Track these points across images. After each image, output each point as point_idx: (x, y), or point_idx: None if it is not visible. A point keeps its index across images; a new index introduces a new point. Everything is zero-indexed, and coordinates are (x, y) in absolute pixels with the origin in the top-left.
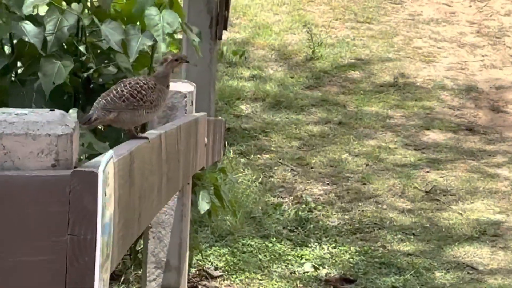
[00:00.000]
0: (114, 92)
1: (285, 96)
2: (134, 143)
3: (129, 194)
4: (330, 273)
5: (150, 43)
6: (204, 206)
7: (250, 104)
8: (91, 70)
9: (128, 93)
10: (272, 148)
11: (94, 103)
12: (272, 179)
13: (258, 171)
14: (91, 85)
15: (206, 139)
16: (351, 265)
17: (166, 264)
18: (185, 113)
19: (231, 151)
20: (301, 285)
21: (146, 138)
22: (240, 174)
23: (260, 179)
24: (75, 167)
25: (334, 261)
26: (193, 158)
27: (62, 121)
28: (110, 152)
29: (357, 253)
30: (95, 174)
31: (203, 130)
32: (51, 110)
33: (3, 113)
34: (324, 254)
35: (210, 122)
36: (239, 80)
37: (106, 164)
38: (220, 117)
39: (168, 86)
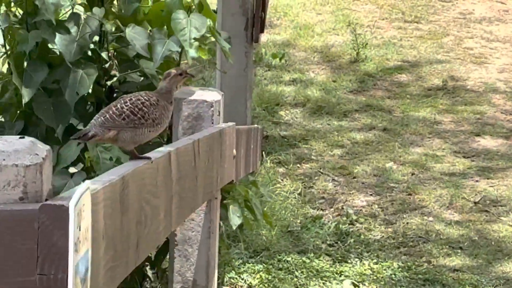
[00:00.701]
0: (114, 108)
1: (327, 101)
2: (132, 165)
3: (120, 223)
4: None
5: (176, 49)
6: (235, 220)
7: (290, 110)
8: (115, 78)
9: (129, 110)
10: (313, 157)
11: (92, 120)
12: (312, 190)
13: (297, 181)
14: (115, 94)
15: (234, 151)
16: (393, 282)
17: (193, 284)
18: (212, 123)
19: (269, 160)
20: None
21: (148, 158)
22: (278, 185)
23: (299, 190)
24: (46, 200)
25: (375, 277)
26: (217, 172)
27: (31, 150)
28: (85, 184)
29: (400, 269)
30: (65, 208)
31: (231, 141)
32: (20, 137)
33: None
34: (365, 270)
35: (240, 132)
36: (278, 84)
37: (80, 197)
38: (256, 125)
39: (171, 103)
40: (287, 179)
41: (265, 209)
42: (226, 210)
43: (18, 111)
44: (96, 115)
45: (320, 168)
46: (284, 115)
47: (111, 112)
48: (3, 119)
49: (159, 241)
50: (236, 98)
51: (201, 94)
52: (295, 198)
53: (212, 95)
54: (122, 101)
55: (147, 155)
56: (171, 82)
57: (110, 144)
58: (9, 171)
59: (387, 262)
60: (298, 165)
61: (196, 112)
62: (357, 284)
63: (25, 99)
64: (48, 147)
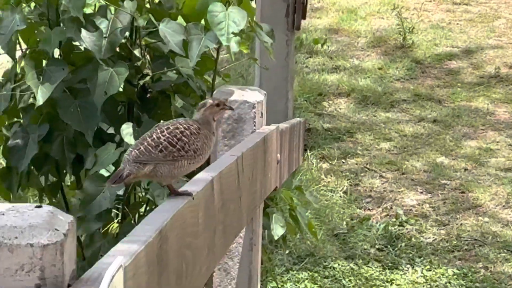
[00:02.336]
0: (149, 139)
1: (373, 90)
2: (170, 207)
3: (158, 284)
4: None
5: (213, 45)
6: (278, 230)
7: (333, 100)
8: (148, 77)
9: (166, 140)
10: (358, 151)
11: (125, 154)
12: (358, 188)
13: (342, 178)
14: (148, 94)
15: (278, 155)
16: None
17: None
18: (254, 126)
19: (312, 156)
20: None
21: (189, 194)
22: (323, 182)
23: (345, 187)
24: (69, 286)
25: (429, 286)
26: (261, 184)
27: (50, 224)
28: (117, 262)
29: (455, 276)
30: None
31: (274, 147)
32: (37, 207)
33: None
34: (417, 278)
35: (283, 133)
36: (320, 72)
37: (112, 279)
38: (298, 118)
39: (214, 133)
40: (331, 176)
41: (308, 214)
42: (268, 218)
43: (42, 113)
44: (129, 148)
45: (367, 164)
46: (328, 106)
47: (146, 143)
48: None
49: (201, 284)
50: (276, 89)
51: (241, 94)
52: (340, 197)
53: (254, 95)
54: (158, 130)
55: (186, 188)
56: (206, 113)
57: (148, 179)
58: (22, 253)
59: (441, 268)
60: (343, 160)
61: (237, 114)
62: None
63: (39, 101)
64: (71, 217)
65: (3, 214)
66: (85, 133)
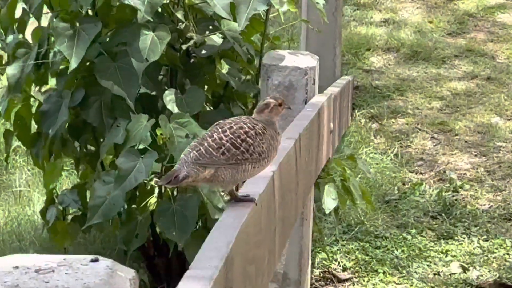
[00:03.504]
0: (210, 140)
1: (423, 45)
2: (233, 221)
3: None
4: (482, 275)
5: (263, 7)
6: (329, 204)
7: (382, 55)
8: (192, 41)
9: (229, 142)
10: (409, 111)
11: (182, 155)
12: (409, 150)
13: (392, 139)
14: (192, 59)
15: (331, 125)
16: (508, 264)
17: (283, 278)
18: (306, 93)
19: (360, 115)
20: None
21: (251, 200)
22: (372, 144)
23: (395, 149)
24: None
25: (486, 258)
26: (316, 161)
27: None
28: None
29: None
30: None
31: (328, 117)
32: (92, 261)
33: (16, 267)
34: (473, 249)
35: (335, 100)
36: (369, 26)
37: None
38: (347, 76)
39: (279, 133)
40: (380, 137)
41: (358, 179)
42: (319, 190)
43: (77, 78)
44: (187, 149)
45: (418, 124)
46: (376, 62)
47: (206, 144)
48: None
49: None
50: (324, 45)
51: (293, 60)
52: (391, 160)
53: (306, 61)
54: (220, 130)
55: (246, 191)
56: (271, 114)
57: (205, 184)
58: None
59: (498, 238)
60: (393, 120)
61: (288, 81)
62: (467, 267)
63: (73, 65)
64: (132, 272)
65: (53, 271)
66: (126, 97)
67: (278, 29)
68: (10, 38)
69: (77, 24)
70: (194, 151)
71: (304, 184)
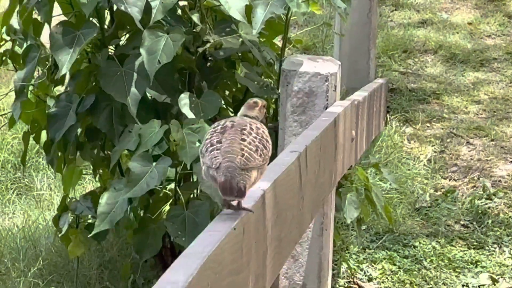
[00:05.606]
0: (244, 143)
1: (461, 47)
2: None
3: None
4: (511, 287)
5: (280, 12)
6: (351, 213)
7: (419, 57)
8: (208, 44)
9: (260, 143)
10: (445, 115)
11: (221, 163)
12: (444, 155)
13: (426, 144)
14: (208, 63)
15: (353, 132)
16: None
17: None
18: (326, 100)
19: (394, 119)
20: None
21: (250, 210)
22: (405, 149)
23: (429, 155)
24: None
25: None
26: (331, 171)
27: None
28: None
29: None
30: None
31: (348, 124)
32: None
33: None
34: (504, 259)
35: (360, 105)
36: (406, 27)
37: None
38: (380, 79)
39: None
40: (414, 141)
41: (388, 185)
42: (341, 199)
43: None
44: (227, 155)
45: (453, 129)
46: (413, 64)
47: (246, 148)
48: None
49: None
50: (357, 48)
51: (313, 66)
52: (424, 165)
53: (327, 66)
54: (245, 132)
55: (247, 207)
56: (260, 113)
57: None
58: None
59: None
60: (428, 124)
61: (308, 87)
62: (496, 278)
63: (63, 70)
64: None
65: None
66: (128, 104)
67: (305, 30)
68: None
69: (78, 30)
70: (239, 157)
71: (312, 198)
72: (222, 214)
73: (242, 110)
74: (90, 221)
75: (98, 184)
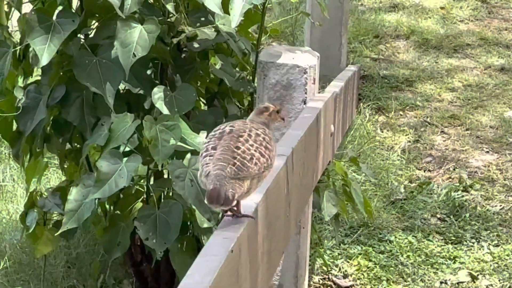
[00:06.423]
0: (238, 151)
1: (434, 33)
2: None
3: None
4: (491, 285)
5: (259, 1)
6: (330, 210)
7: (390, 43)
8: (183, 35)
9: (257, 151)
10: (418, 103)
11: (211, 170)
12: (418, 145)
13: (400, 133)
14: (183, 54)
15: (332, 127)
16: None
17: None
18: (305, 93)
19: (367, 107)
20: None
21: (251, 217)
22: (378, 138)
23: (403, 144)
24: None
25: (496, 266)
26: (314, 170)
27: None
28: None
29: None
30: None
31: (328, 119)
32: None
33: None
34: (483, 255)
35: (338, 97)
36: (377, 12)
37: None
38: (353, 67)
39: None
40: (388, 130)
41: (361, 177)
42: (319, 195)
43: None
44: (217, 162)
45: (427, 117)
46: (385, 50)
47: (238, 157)
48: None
49: None
50: (329, 33)
51: (292, 57)
52: (398, 155)
53: (306, 58)
54: (242, 139)
55: (247, 213)
56: (270, 117)
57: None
58: None
59: (510, 244)
60: (401, 112)
61: (286, 80)
62: (476, 275)
63: (43, 62)
64: None
65: None
66: (105, 95)
67: (280, 19)
68: None
69: (54, 18)
70: (231, 166)
71: (297, 202)
72: (217, 235)
73: (250, 115)
74: (57, 217)
75: (63, 177)
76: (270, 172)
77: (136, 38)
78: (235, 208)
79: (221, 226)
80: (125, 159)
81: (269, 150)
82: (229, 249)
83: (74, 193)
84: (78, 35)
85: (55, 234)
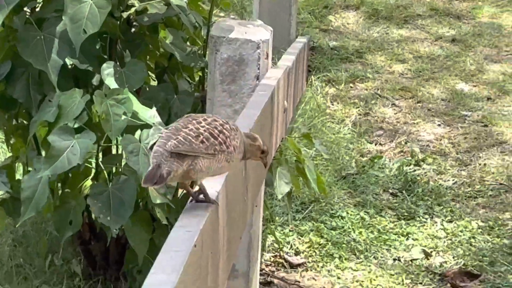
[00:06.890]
0: (186, 130)
1: (384, 3)
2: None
3: None
4: (445, 261)
5: None
6: (283, 188)
7: (340, 14)
8: (133, 9)
9: (207, 131)
10: (368, 75)
11: (156, 146)
12: (369, 118)
13: (350, 105)
14: (133, 29)
15: (285, 103)
16: (473, 249)
17: (231, 270)
18: (258, 69)
19: (317, 79)
20: (408, 280)
21: (215, 202)
22: (329, 111)
23: (353, 117)
24: None
25: (450, 242)
26: (269, 148)
27: None
28: None
29: (479, 230)
30: None
31: (281, 96)
32: None
33: None
34: (437, 231)
35: (290, 72)
36: None
37: None
38: (303, 38)
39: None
40: (338, 103)
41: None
42: (272, 172)
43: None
44: (160, 139)
45: (378, 89)
46: (334, 21)
47: (183, 133)
48: None
49: None
50: (278, 3)
51: (244, 32)
52: (349, 129)
53: (259, 33)
54: (194, 122)
55: (211, 198)
56: (251, 149)
57: (182, 180)
58: None
59: (463, 219)
60: (351, 84)
61: (238, 55)
62: (429, 252)
63: None
64: None
65: None
66: (49, 72)
67: None
68: None
69: None
70: (172, 140)
71: (254, 184)
72: (177, 226)
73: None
74: (3, 196)
75: (8, 153)
76: (231, 163)
77: (86, 13)
78: (200, 196)
79: (183, 216)
80: (77, 135)
81: (225, 136)
82: (192, 244)
83: (26, 180)
84: (24, 9)
85: (17, 226)
